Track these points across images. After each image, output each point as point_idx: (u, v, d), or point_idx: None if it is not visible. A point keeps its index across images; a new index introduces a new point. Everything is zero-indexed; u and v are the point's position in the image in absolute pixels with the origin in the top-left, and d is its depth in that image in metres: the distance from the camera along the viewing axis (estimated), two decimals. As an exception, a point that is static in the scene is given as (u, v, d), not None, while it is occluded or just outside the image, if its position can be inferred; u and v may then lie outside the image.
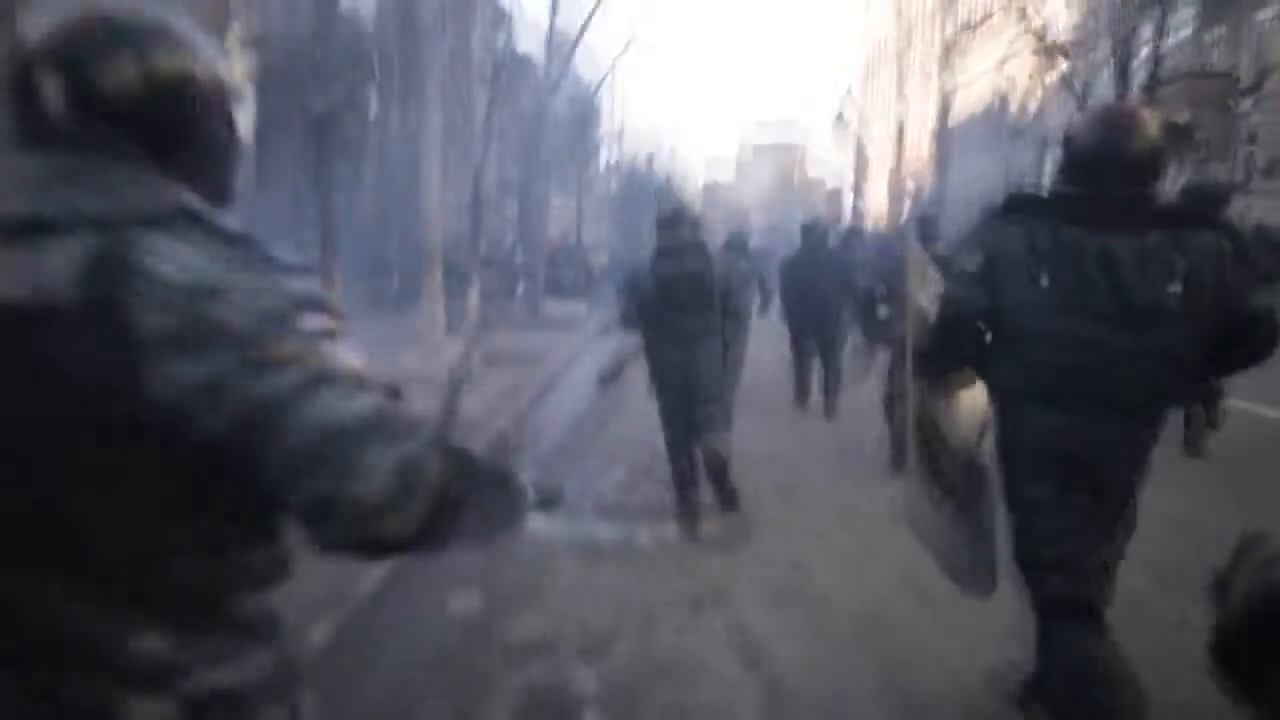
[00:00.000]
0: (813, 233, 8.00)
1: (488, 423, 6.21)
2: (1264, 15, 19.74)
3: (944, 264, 2.47)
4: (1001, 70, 29.77)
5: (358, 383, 0.96)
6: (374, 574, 3.42)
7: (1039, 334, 2.08)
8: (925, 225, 6.25)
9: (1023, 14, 19.66)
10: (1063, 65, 19.76)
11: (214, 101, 1.04)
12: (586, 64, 25.90)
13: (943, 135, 37.37)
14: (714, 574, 3.87)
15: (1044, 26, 19.45)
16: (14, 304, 0.90)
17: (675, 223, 4.60)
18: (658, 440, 4.79)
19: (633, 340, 4.76)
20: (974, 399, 2.43)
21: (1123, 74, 16.63)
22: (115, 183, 0.96)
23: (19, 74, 0.97)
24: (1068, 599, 2.14)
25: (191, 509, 0.96)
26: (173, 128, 1.01)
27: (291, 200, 13.99)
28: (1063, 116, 22.16)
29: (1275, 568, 0.83)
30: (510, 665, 3.02)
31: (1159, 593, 3.33)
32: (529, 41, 25.46)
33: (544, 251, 19.57)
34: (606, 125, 32.37)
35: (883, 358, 6.99)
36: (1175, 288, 2.00)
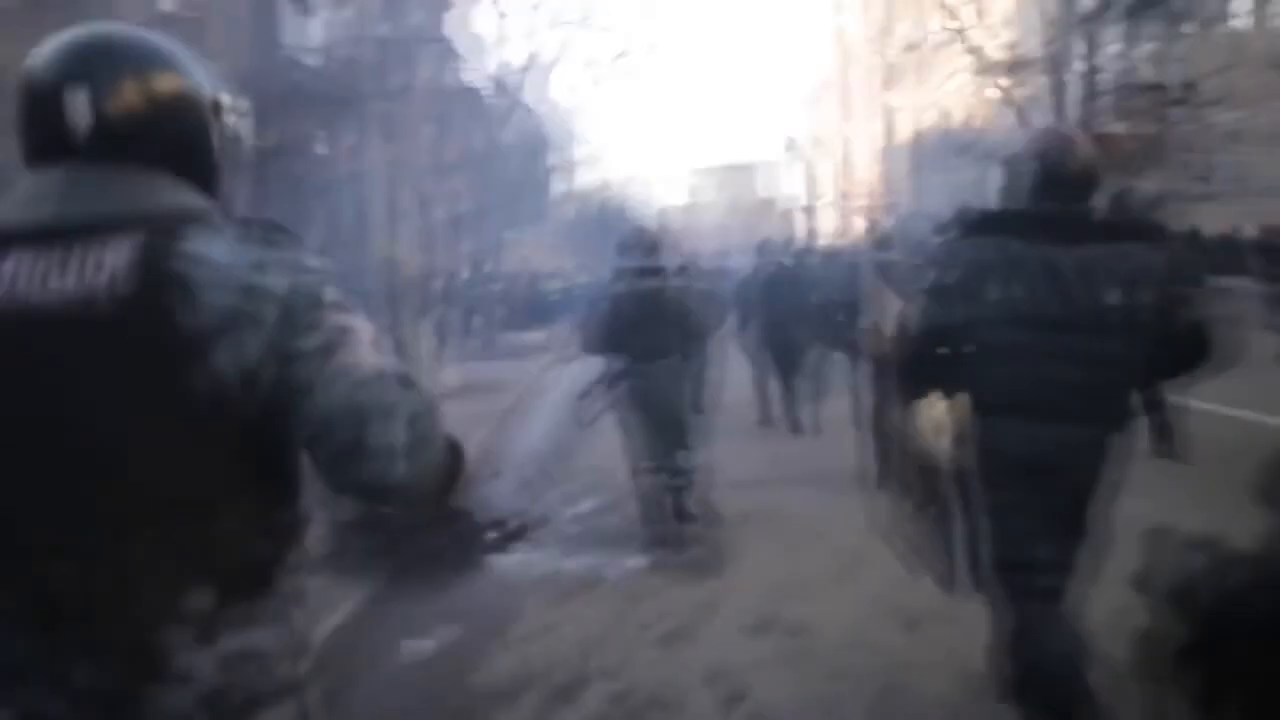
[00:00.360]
0: (768, 251, 8.04)
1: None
2: (1188, 29, 20.44)
3: (897, 269, 2.53)
4: (943, 90, 30.46)
5: (372, 345, 1.09)
6: (331, 621, 3.28)
7: (993, 346, 2.15)
8: (881, 235, 6.52)
9: (961, 34, 20.15)
10: (1002, 83, 20.25)
11: (215, 118, 1.16)
12: (537, 94, 25.98)
13: (889, 155, 38.06)
14: (688, 605, 3.74)
15: (982, 46, 19.93)
16: (73, 299, 1.00)
17: (635, 245, 4.70)
18: (624, 468, 4.75)
19: (598, 363, 4.81)
20: (938, 411, 2.46)
21: (1059, 89, 17.07)
22: (146, 189, 1.07)
23: (39, 93, 1.07)
24: (1044, 597, 2.20)
25: (240, 470, 1.05)
26: (182, 141, 1.12)
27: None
28: (1004, 132, 22.70)
29: (1190, 559, 0.83)
30: (476, 714, 2.90)
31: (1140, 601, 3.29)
32: (480, 74, 25.52)
33: (500, 283, 19.47)
34: (559, 155, 32.45)
35: (843, 370, 7.02)
36: (1119, 299, 2.10)
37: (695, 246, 16.22)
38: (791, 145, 52.13)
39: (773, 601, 3.70)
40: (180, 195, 1.10)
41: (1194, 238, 16.02)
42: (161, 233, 1.04)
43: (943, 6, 20.46)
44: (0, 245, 1.04)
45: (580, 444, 6.96)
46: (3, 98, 1.17)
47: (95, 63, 1.08)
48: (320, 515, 1.19)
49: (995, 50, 21.74)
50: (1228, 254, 15.45)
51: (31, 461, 1.03)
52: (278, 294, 1.04)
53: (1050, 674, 2.19)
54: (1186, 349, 2.15)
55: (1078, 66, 17.00)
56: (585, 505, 5.44)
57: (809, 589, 3.80)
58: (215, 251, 1.04)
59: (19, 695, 1.04)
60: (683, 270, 8.09)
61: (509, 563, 4.39)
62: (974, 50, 20.94)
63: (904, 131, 36.45)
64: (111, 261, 1.02)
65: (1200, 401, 3.30)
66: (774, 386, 7.73)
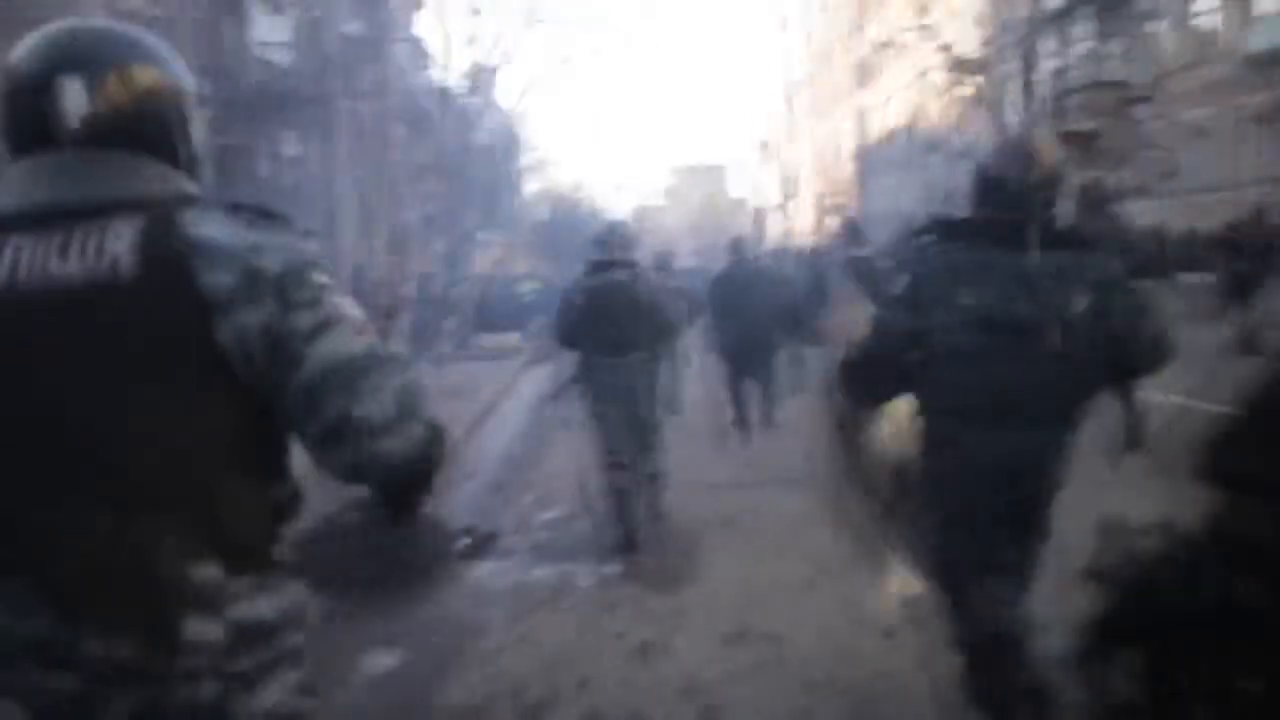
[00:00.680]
0: (739, 249, 8.00)
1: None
2: (1153, 28, 20.70)
3: (870, 265, 2.57)
4: (914, 88, 30.66)
5: (360, 326, 1.13)
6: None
7: (960, 352, 2.18)
8: (853, 231, 6.45)
9: (931, 32, 20.29)
10: (972, 81, 20.42)
11: (190, 107, 1.20)
12: (509, 94, 25.83)
13: (862, 153, 38.24)
14: (659, 616, 3.63)
15: (952, 44, 20.08)
16: (80, 277, 1.04)
17: (609, 239, 4.75)
18: (596, 472, 4.68)
19: (569, 357, 4.80)
20: (900, 413, 2.49)
21: (1029, 87, 17.21)
22: (139, 175, 1.11)
23: (27, 85, 1.10)
24: (994, 602, 2.22)
25: (242, 445, 1.10)
26: (166, 129, 1.16)
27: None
28: (975, 130, 22.88)
29: (1137, 546, 0.83)
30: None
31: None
32: (452, 74, 25.31)
33: (473, 284, 19.30)
34: (532, 155, 32.30)
35: (816, 366, 6.97)
36: (1080, 305, 2.15)
37: (668, 245, 16.18)
38: (763, 145, 52.31)
39: (747, 609, 3.62)
40: (171, 180, 1.14)
41: (1158, 234, 16.26)
42: (160, 216, 1.07)
43: (913, 4, 20.57)
44: None
45: (552, 447, 6.87)
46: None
47: (85, 54, 1.12)
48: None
49: (965, 48, 21.94)
50: (1190, 250, 15.69)
51: (40, 442, 1.06)
52: (273, 273, 1.08)
53: (1003, 673, 2.21)
54: (1148, 352, 2.21)
55: (1046, 64, 17.18)
56: (557, 510, 5.31)
57: (783, 596, 3.72)
58: (213, 233, 1.08)
59: (33, 671, 1.06)
60: (656, 266, 8.06)
61: (477, 571, 4.25)
62: (944, 48, 21.12)
63: (875, 130, 36.63)
64: (112, 244, 1.05)
65: (1163, 395, 3.27)
66: (748, 386, 7.67)
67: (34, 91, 1.10)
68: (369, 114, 20.56)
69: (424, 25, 25.83)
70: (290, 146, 21.32)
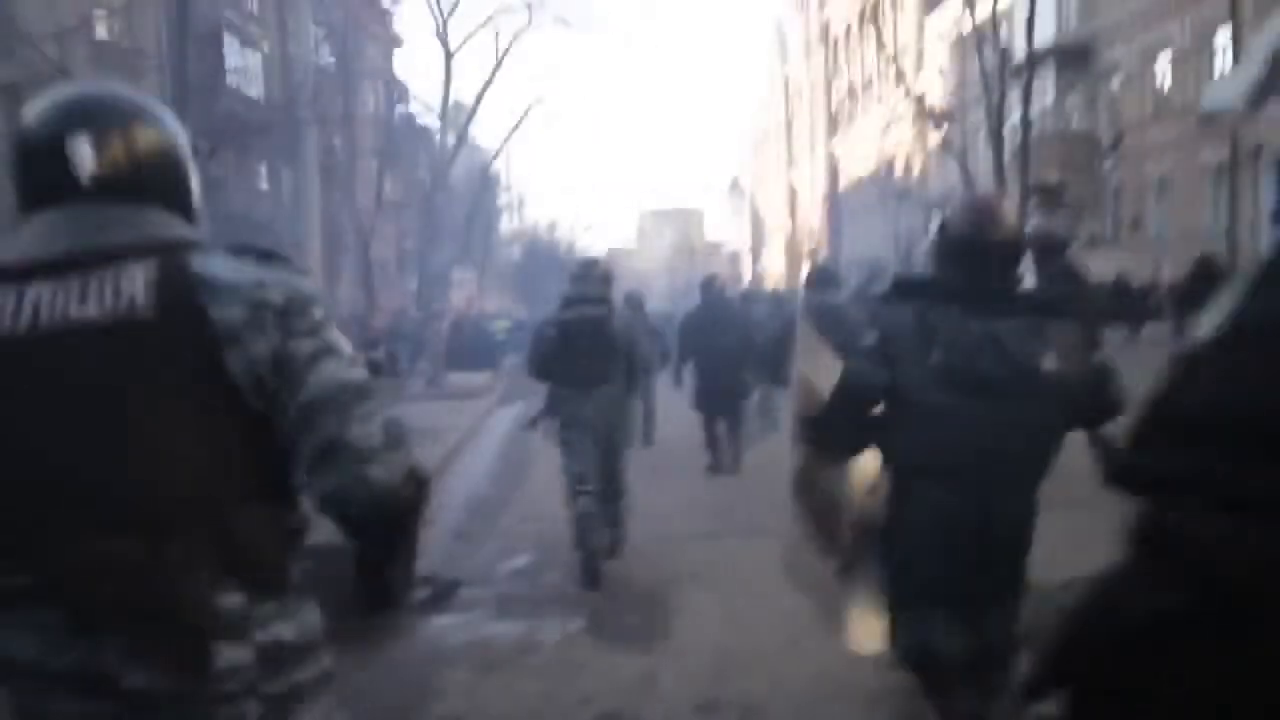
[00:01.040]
0: (711, 289, 7.99)
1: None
2: (1114, 84, 21.26)
3: (839, 313, 2.56)
4: (885, 136, 31.21)
5: (352, 359, 1.22)
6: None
7: (930, 409, 2.21)
8: (824, 275, 6.46)
9: (901, 82, 20.68)
10: (941, 130, 20.81)
11: (188, 160, 1.29)
12: (485, 134, 25.93)
13: (833, 200, 38.77)
14: (628, 680, 3.39)
15: (923, 94, 20.46)
16: (98, 318, 1.12)
17: (586, 275, 4.86)
18: (563, 521, 4.59)
19: (540, 396, 4.85)
20: (864, 467, 2.50)
21: (996, 137, 17.56)
22: (148, 222, 1.19)
23: (40, 144, 1.19)
24: (965, 667, 2.23)
25: (256, 473, 1.18)
26: (168, 181, 1.25)
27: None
28: (944, 179, 23.26)
29: (1060, 604, 0.81)
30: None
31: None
32: (427, 113, 25.38)
33: (445, 322, 19.15)
34: (507, 195, 32.37)
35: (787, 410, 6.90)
36: (1046, 367, 2.21)
37: (642, 286, 16.18)
38: (737, 189, 52.93)
39: (720, 674, 3.40)
40: (177, 227, 1.23)
41: (1120, 281, 16.50)
42: (169, 258, 1.16)
43: (884, 56, 21.00)
44: (20, 279, 1.15)
45: (520, 492, 6.72)
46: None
47: (92, 116, 1.21)
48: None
49: (934, 99, 22.39)
50: (1145, 300, 15.95)
51: (67, 475, 1.13)
52: (277, 305, 1.16)
53: None
54: (1106, 408, 2.28)
55: (1013, 115, 17.53)
56: (523, 558, 5.09)
57: (759, 660, 3.48)
58: (220, 271, 1.16)
59: (70, 702, 1.11)
60: (628, 306, 8.03)
61: (437, 624, 4.07)
62: (914, 98, 21.54)
63: (847, 176, 37.20)
64: (127, 286, 1.14)
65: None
66: (720, 427, 7.59)
67: (47, 151, 1.19)
68: (341, 148, 20.52)
69: (401, 63, 25.94)
70: (262, 180, 21.20)
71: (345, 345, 1.22)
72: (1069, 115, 22.29)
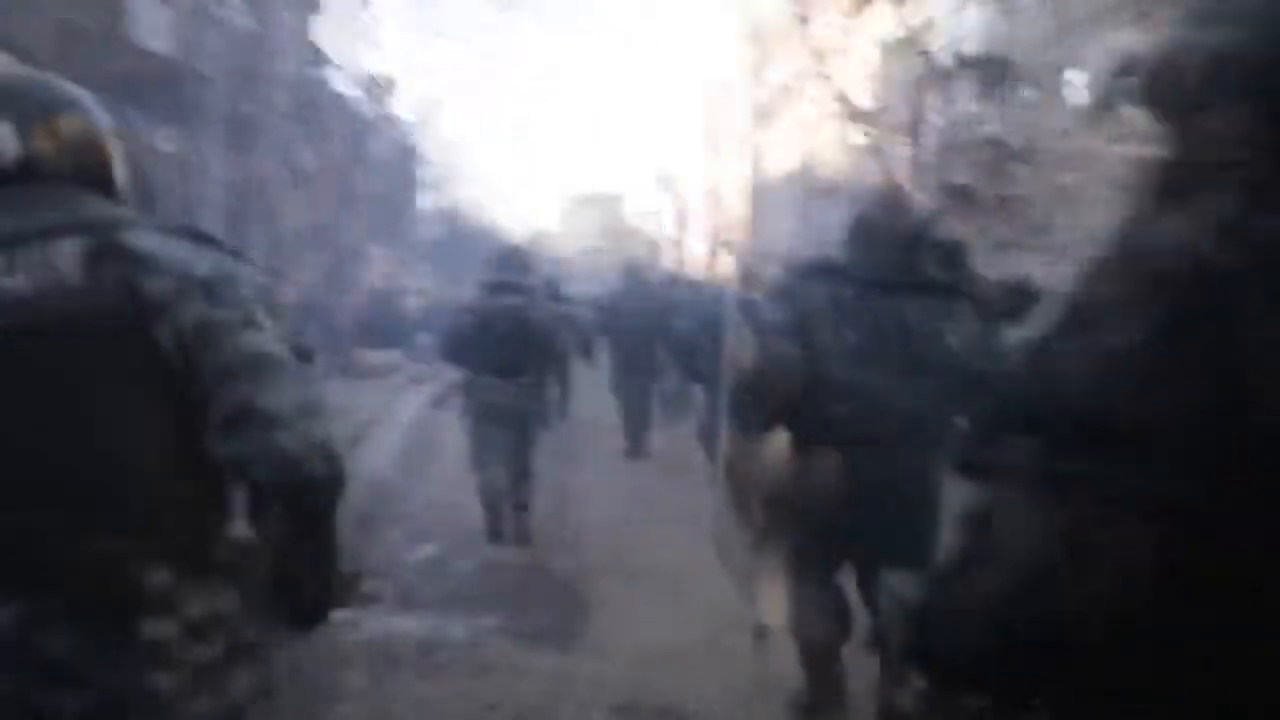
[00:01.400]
0: (634, 273, 7.95)
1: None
2: (1027, 93, 21.98)
3: (758, 309, 2.83)
4: (810, 134, 31.61)
5: (278, 335, 1.27)
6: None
7: (841, 385, 2.39)
8: (749, 278, 6.63)
9: (826, 81, 20.94)
10: (864, 131, 21.17)
11: (115, 145, 1.36)
12: (406, 106, 25.23)
13: (756, 192, 39.14)
14: (544, 677, 3.28)
15: (845, 94, 20.77)
16: (29, 291, 1.19)
17: (503, 262, 4.92)
18: (472, 510, 4.48)
19: (451, 381, 5.14)
20: (780, 443, 2.62)
21: (915, 140, 17.95)
22: (82, 204, 1.27)
23: (22, 136, 1.25)
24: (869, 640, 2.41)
25: (184, 449, 1.22)
26: (94, 165, 1.31)
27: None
28: (866, 178, 23.70)
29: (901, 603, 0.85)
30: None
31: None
32: (347, 81, 24.51)
33: (358, 299, 18.57)
34: (428, 171, 31.63)
35: (699, 400, 6.85)
36: (945, 343, 2.42)
37: (562, 271, 15.97)
38: (660, 178, 53.04)
39: (641, 673, 3.31)
40: (106, 208, 1.30)
41: (1024, 282, 17.10)
42: (99, 235, 1.23)
43: (812, 54, 21.25)
44: None
45: (427, 476, 6.51)
46: None
47: (14, 103, 1.28)
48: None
49: (859, 100, 22.75)
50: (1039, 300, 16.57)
51: (3, 445, 1.18)
52: (203, 276, 1.23)
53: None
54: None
55: (934, 120, 17.95)
56: (428, 549, 4.89)
57: (679, 657, 3.40)
58: (149, 247, 1.24)
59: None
60: (549, 292, 8.03)
61: (331, 621, 3.91)
62: (840, 98, 21.85)
63: (770, 171, 37.56)
64: (57, 261, 1.21)
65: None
66: (636, 412, 7.50)
67: None
68: (252, 114, 19.64)
69: (322, 29, 24.99)
70: (167, 143, 20.12)
71: (269, 323, 1.26)
72: (985, 123, 22.94)
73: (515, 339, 4.63)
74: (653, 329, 7.41)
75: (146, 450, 1.21)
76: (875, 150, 19.86)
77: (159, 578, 1.20)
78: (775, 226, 36.74)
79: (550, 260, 25.50)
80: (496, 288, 4.76)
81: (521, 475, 4.80)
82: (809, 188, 31.35)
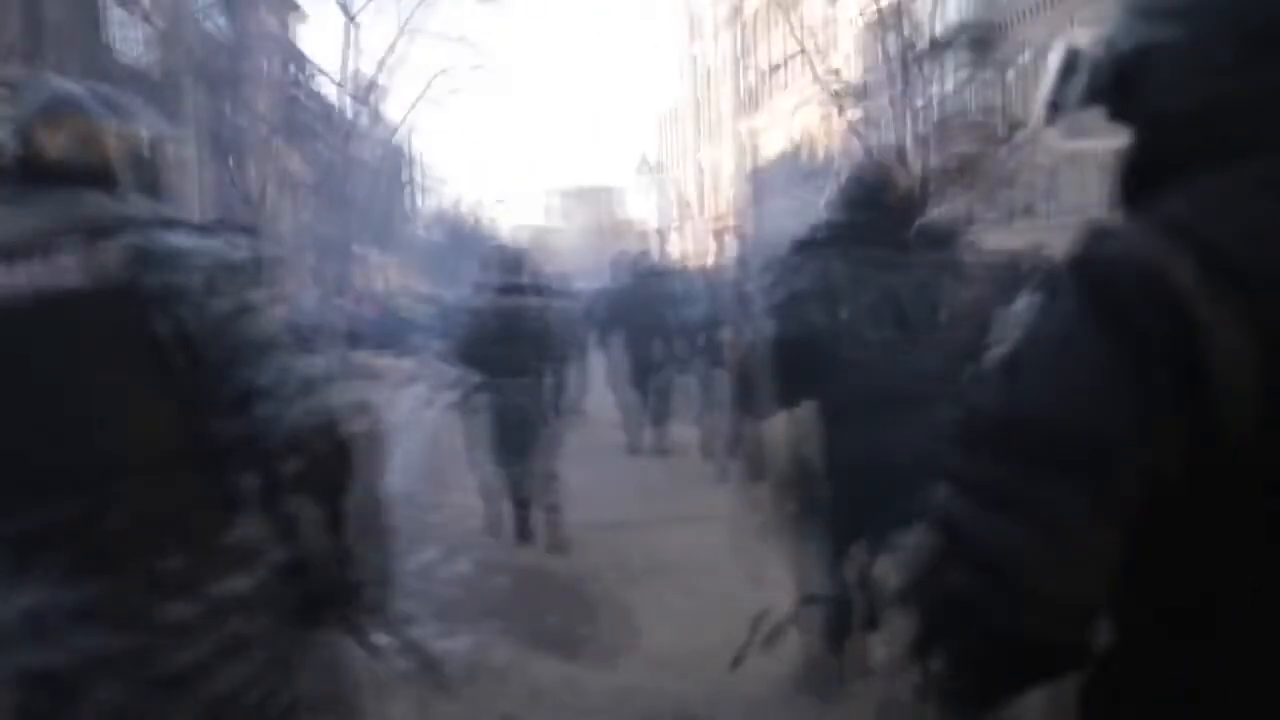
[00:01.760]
0: (624, 265, 7.86)
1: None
2: (1010, 74, 21.94)
3: (759, 290, 2.69)
4: (795, 118, 31.48)
5: (279, 317, 1.30)
6: None
7: (844, 358, 2.31)
8: (745, 263, 6.52)
9: (810, 62, 20.82)
10: (853, 109, 21.06)
11: (152, 150, 1.39)
12: (394, 109, 25.05)
13: (750, 177, 39.02)
14: (553, 687, 3.01)
15: (832, 74, 20.65)
16: (34, 289, 1.21)
17: (497, 262, 4.82)
18: (474, 513, 4.40)
19: (447, 377, 4.85)
20: (794, 420, 2.57)
21: (905, 116, 17.85)
22: (83, 201, 1.28)
23: (22, 136, 1.30)
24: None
25: (192, 436, 1.24)
26: (100, 165, 1.32)
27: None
28: (857, 156, 23.57)
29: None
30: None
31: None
32: (329, 85, 24.35)
33: (349, 302, 18.48)
34: (417, 173, 31.48)
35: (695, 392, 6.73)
36: (941, 308, 2.34)
37: (554, 267, 15.90)
38: (647, 167, 52.85)
39: (657, 680, 3.05)
40: (110, 206, 1.29)
41: (1014, 257, 16.97)
42: (102, 232, 1.24)
43: (793, 35, 21.12)
44: None
45: (425, 482, 6.39)
46: None
47: (56, 110, 1.32)
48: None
49: (842, 79, 22.62)
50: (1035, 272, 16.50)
51: (6, 441, 1.22)
52: (203, 267, 1.24)
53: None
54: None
55: (918, 97, 17.83)
56: (428, 554, 4.58)
57: (700, 662, 3.05)
58: (150, 242, 1.24)
59: (24, 656, 1.20)
60: (543, 289, 7.92)
61: (327, 635, 3.72)
62: (822, 78, 21.72)
63: (763, 154, 37.44)
64: (60, 258, 1.21)
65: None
66: (641, 407, 7.41)
67: (24, 142, 1.29)
68: (235, 120, 19.50)
69: (305, 33, 24.81)
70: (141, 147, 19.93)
71: (269, 307, 1.29)
72: (974, 96, 22.85)
73: (513, 339, 4.54)
74: (653, 322, 7.30)
75: (152, 444, 1.22)
76: (865, 128, 19.77)
77: (175, 562, 1.22)
78: (771, 210, 36.63)
79: (545, 256, 25.38)
80: (495, 288, 4.67)
81: (546, 477, 4.65)
82: (801, 169, 31.29)
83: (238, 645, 1.25)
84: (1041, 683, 0.78)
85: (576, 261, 44.65)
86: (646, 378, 7.29)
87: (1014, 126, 20.36)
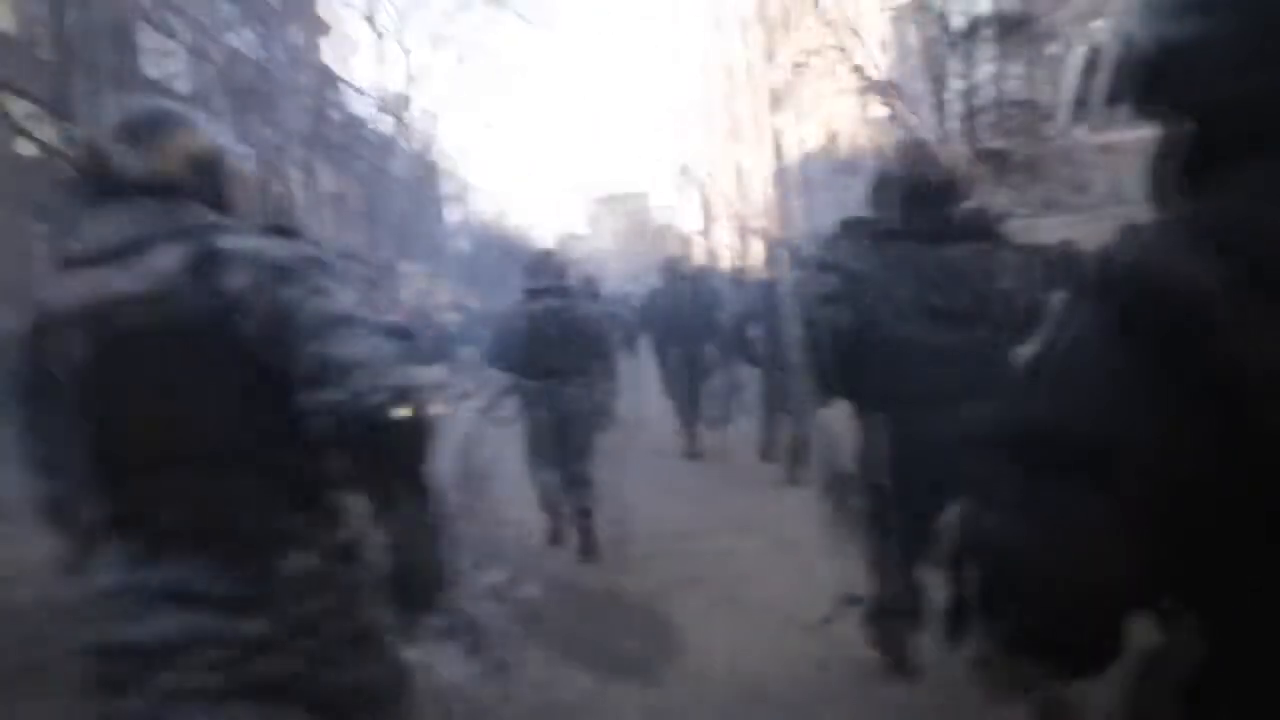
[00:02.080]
0: (672, 269, 7.86)
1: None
2: (1050, 50, 21.44)
3: (802, 284, 2.65)
4: (828, 110, 31.17)
5: (352, 300, 1.40)
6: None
7: (900, 342, 2.27)
8: (779, 259, 6.46)
9: (842, 55, 20.59)
10: (884, 102, 20.77)
11: (225, 163, 1.52)
12: (426, 122, 25.27)
13: (780, 176, 38.73)
14: (630, 717, 2.83)
15: (865, 65, 20.39)
16: (141, 293, 1.35)
17: (540, 268, 4.82)
18: (536, 528, 4.37)
19: (503, 382, 4.91)
20: (842, 412, 2.56)
21: (939, 107, 17.56)
22: (186, 212, 1.42)
23: (96, 151, 1.45)
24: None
25: (286, 419, 1.34)
26: (208, 179, 1.47)
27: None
28: (890, 151, 23.23)
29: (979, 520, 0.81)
30: None
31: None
32: (365, 102, 24.63)
33: (401, 317, 18.63)
34: (452, 183, 31.73)
35: (753, 388, 6.62)
36: (988, 292, 2.29)
37: (595, 274, 15.91)
38: (683, 171, 52.75)
39: (742, 705, 2.87)
40: (203, 213, 1.42)
41: (1065, 245, 16.60)
42: (194, 239, 1.36)
43: (825, 27, 20.89)
44: (78, 264, 1.40)
45: (483, 497, 6.37)
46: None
47: (137, 128, 1.44)
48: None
49: (875, 71, 22.36)
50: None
51: (139, 421, 1.34)
52: (281, 264, 1.34)
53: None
54: None
55: (955, 85, 17.55)
56: (492, 574, 4.42)
57: (786, 686, 2.90)
58: (234, 245, 1.35)
59: (167, 615, 1.30)
60: (588, 292, 7.92)
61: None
62: (855, 71, 21.47)
63: (793, 153, 37.13)
64: (159, 266, 1.34)
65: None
66: (691, 410, 7.34)
67: (100, 156, 1.43)
68: (271, 141, 19.78)
69: (334, 52, 25.13)
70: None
71: (348, 295, 1.38)
72: (1009, 82, 22.42)
73: (561, 341, 4.55)
74: (699, 326, 7.22)
75: (252, 423, 1.33)
76: (897, 121, 19.50)
77: (289, 520, 1.34)
78: (802, 208, 36.32)
79: (582, 262, 25.42)
80: (537, 292, 4.66)
81: (581, 483, 4.60)
82: (833, 166, 30.96)
83: (313, 623, 1.33)
84: (1069, 679, 0.79)
85: (615, 267, 44.66)
86: (700, 381, 7.23)
87: (1046, 117, 19.96)
